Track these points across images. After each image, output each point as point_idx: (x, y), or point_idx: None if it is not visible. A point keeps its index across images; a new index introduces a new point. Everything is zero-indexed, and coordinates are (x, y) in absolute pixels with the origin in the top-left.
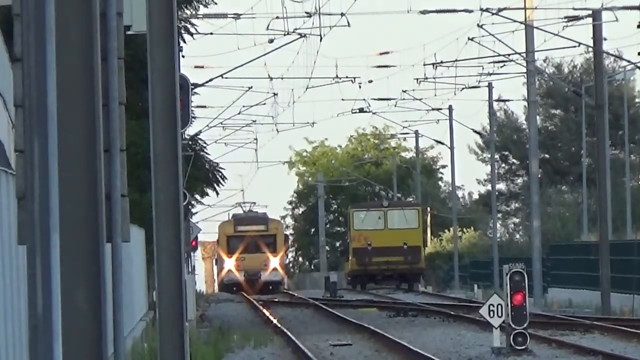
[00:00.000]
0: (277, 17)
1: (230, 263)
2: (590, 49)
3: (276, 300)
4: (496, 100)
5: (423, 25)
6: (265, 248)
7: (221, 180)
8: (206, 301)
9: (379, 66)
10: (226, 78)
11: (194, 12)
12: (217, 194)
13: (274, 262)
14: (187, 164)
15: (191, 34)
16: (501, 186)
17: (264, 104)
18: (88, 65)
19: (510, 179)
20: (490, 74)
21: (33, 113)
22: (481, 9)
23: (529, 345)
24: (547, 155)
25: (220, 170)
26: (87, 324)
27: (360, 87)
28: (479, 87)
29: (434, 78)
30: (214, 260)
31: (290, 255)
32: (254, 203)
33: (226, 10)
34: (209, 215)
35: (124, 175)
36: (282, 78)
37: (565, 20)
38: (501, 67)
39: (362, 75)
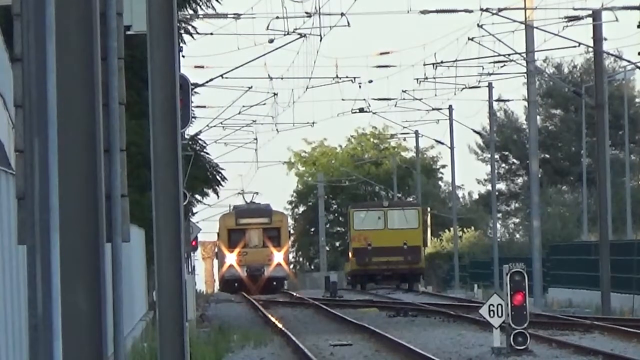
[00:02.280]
0: (277, 17)
1: (231, 258)
2: (590, 49)
3: (276, 300)
4: (496, 100)
5: (423, 25)
6: (269, 242)
7: (221, 181)
8: (206, 301)
9: (379, 66)
10: (226, 78)
11: (193, 13)
12: (218, 195)
13: (278, 256)
14: (187, 164)
15: (191, 35)
16: (501, 186)
17: (264, 104)
18: (88, 65)
19: (510, 179)
20: (490, 74)
21: (33, 113)
22: (481, 9)
23: (529, 345)
24: (547, 155)
25: (220, 170)
26: (87, 324)
27: (360, 87)
28: (479, 87)
29: (434, 78)
30: (214, 254)
31: (290, 255)
32: (257, 193)
33: (226, 10)
34: (209, 215)
35: (124, 175)
36: (282, 78)
37: (565, 20)
38: (501, 67)
39: (362, 75)
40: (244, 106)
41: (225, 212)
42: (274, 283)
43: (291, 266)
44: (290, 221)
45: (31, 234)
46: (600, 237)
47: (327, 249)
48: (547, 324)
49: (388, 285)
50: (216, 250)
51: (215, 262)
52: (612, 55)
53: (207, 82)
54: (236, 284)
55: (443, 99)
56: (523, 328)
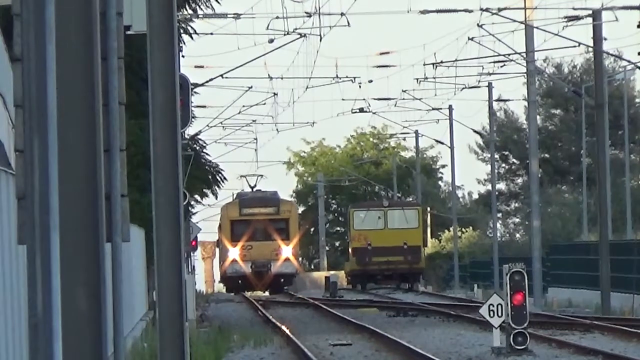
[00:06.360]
0: (277, 17)
1: (234, 252)
2: (590, 49)
3: (276, 300)
4: (496, 100)
5: (423, 25)
6: (276, 235)
7: (221, 182)
8: (206, 301)
9: (379, 66)
10: (226, 78)
11: (193, 13)
12: (216, 197)
13: (286, 251)
14: (187, 164)
15: (190, 35)
16: (501, 186)
17: (264, 103)
18: (88, 65)
19: (510, 178)
20: (490, 74)
21: (33, 113)
22: (481, 9)
23: (529, 345)
24: (547, 155)
25: (220, 171)
26: (87, 323)
27: (360, 87)
28: (479, 87)
29: (434, 78)
30: (215, 249)
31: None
32: (262, 176)
33: (226, 10)
34: (209, 215)
35: (124, 175)
36: (282, 78)
37: (565, 20)
38: (501, 67)
39: (362, 75)
40: (244, 106)
41: (228, 202)
42: (282, 280)
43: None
44: None
45: (31, 234)
46: (600, 237)
47: (327, 249)
48: (547, 324)
49: (388, 285)
50: (217, 244)
51: (216, 258)
52: (612, 55)
53: (207, 82)
54: (240, 281)
55: (443, 99)
56: (523, 328)
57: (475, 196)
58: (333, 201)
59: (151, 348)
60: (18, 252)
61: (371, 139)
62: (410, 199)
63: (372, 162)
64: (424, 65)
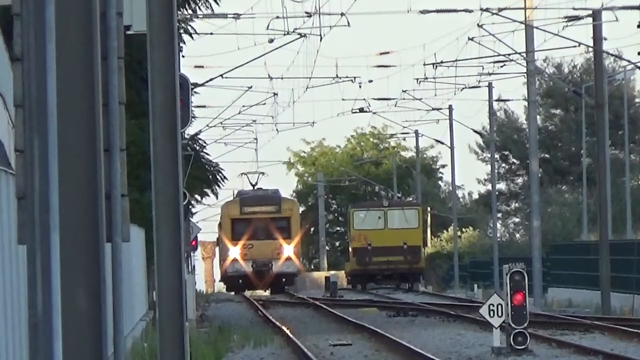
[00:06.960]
0: (277, 17)
1: (235, 251)
2: (590, 49)
3: (276, 300)
4: (496, 100)
5: (423, 25)
6: (278, 233)
7: (221, 181)
8: (206, 301)
9: (379, 66)
10: (226, 78)
11: (193, 13)
12: (217, 197)
13: (288, 250)
14: (187, 164)
15: (190, 35)
16: (501, 186)
17: (264, 103)
18: (88, 65)
19: (510, 178)
20: (490, 74)
21: (33, 113)
22: (481, 9)
23: (529, 345)
24: (547, 155)
25: (221, 170)
26: (87, 323)
27: (360, 87)
28: (479, 87)
29: (434, 78)
30: (215, 248)
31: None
32: (263, 173)
33: (226, 10)
34: (209, 215)
35: (124, 175)
36: (282, 78)
37: (565, 20)
38: (501, 67)
39: (362, 75)
40: (244, 106)
41: (229, 200)
42: (284, 279)
43: None
44: None
45: (31, 234)
46: (600, 237)
47: (327, 249)
48: (547, 324)
49: (388, 285)
50: (217, 242)
51: (216, 258)
52: (612, 55)
53: (207, 82)
54: (240, 281)
55: (443, 99)
56: (523, 328)
57: (475, 196)
58: (333, 201)
59: (151, 348)
60: (18, 252)
61: (371, 139)
62: (410, 199)
63: (372, 162)
64: (424, 65)
